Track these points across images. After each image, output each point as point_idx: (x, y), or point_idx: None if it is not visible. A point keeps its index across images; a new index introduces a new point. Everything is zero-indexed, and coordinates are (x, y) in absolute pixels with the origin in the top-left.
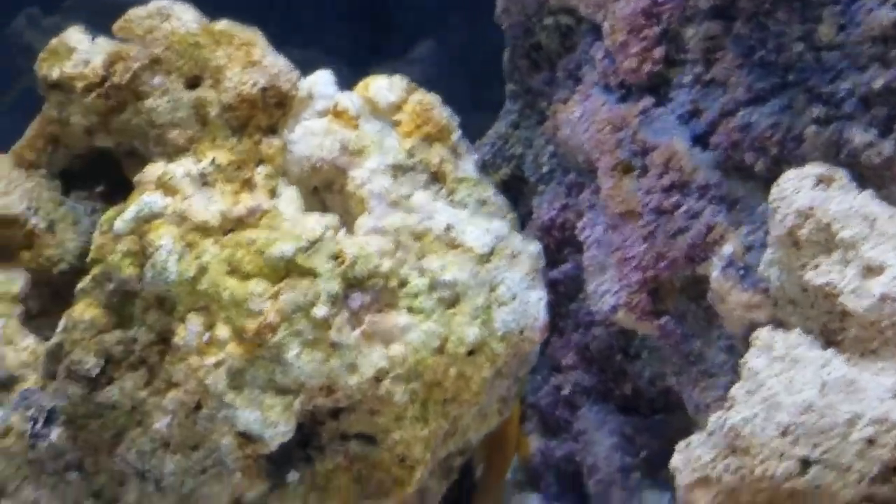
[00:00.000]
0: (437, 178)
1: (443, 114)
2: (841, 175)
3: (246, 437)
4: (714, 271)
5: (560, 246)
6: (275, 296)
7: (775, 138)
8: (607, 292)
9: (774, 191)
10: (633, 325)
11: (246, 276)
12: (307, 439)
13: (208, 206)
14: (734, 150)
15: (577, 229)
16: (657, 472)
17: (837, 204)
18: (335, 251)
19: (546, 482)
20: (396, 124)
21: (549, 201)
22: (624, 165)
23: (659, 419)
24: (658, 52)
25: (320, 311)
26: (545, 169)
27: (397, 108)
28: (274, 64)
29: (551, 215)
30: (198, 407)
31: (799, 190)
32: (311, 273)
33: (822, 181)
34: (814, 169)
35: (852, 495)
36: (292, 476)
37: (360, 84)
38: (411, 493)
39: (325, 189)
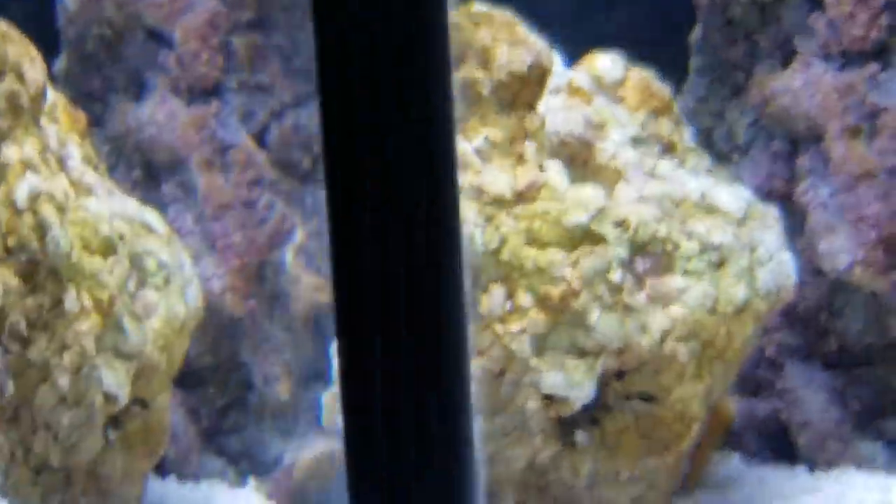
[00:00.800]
0: (668, 149)
1: (664, 88)
2: None
3: (550, 400)
4: None
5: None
6: (574, 262)
7: None
8: (842, 251)
9: None
10: (870, 282)
11: (544, 245)
12: (592, 401)
13: (498, 181)
14: None
15: (791, 197)
16: (869, 424)
17: None
18: (620, 218)
19: (747, 441)
20: (621, 99)
21: (754, 169)
22: (854, 129)
23: (866, 372)
24: (885, 20)
25: (616, 275)
26: (742, 139)
27: (621, 83)
28: (536, 41)
29: (759, 183)
30: (501, 373)
31: None
32: (602, 240)
33: None
34: None
35: None
36: (581, 436)
37: (584, 61)
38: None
39: (570, 162)
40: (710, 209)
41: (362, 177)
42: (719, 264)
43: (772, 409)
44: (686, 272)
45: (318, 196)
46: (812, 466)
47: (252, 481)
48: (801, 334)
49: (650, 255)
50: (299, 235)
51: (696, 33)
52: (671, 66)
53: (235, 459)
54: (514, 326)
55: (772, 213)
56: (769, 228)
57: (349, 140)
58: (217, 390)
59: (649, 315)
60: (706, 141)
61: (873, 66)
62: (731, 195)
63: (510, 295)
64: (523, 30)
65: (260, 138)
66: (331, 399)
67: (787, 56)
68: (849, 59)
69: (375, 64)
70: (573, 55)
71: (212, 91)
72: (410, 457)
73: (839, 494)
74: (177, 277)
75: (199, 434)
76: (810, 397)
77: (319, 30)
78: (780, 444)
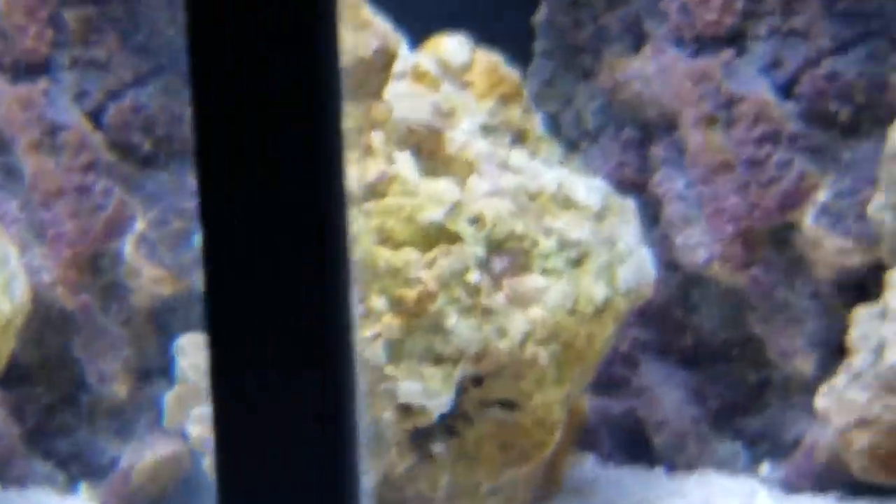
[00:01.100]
0: (520, 137)
1: (513, 73)
2: None
3: (406, 410)
4: (808, 219)
5: None
6: (430, 263)
7: (860, 87)
8: (699, 245)
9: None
10: (728, 277)
11: (398, 245)
12: (449, 410)
13: (349, 175)
14: (819, 100)
15: (643, 187)
16: (727, 423)
17: None
18: (475, 214)
19: (601, 441)
20: (468, 85)
21: (604, 158)
22: (710, 118)
23: (724, 369)
24: (739, 4)
25: (473, 276)
26: (591, 126)
27: (468, 68)
28: (381, 24)
29: (609, 172)
30: None
31: None
32: (458, 238)
33: None
34: None
35: None
36: (439, 448)
37: (429, 44)
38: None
39: (419, 153)
40: (567, 203)
41: (236, 168)
42: (578, 262)
43: (627, 407)
44: (545, 271)
45: (160, 181)
46: (670, 468)
47: (84, 487)
48: (656, 330)
49: (507, 253)
50: (140, 224)
51: (540, 14)
52: (515, 48)
53: (65, 463)
54: (367, 332)
55: (630, 206)
56: (628, 223)
57: (223, 131)
58: (45, 389)
59: (508, 317)
60: (553, 127)
61: (728, 53)
62: (589, 188)
63: (362, 298)
64: (368, 11)
65: (96, 119)
66: (173, 398)
67: (637, 40)
68: (703, 44)
69: (251, 51)
70: (414, 38)
71: (40, 68)
72: (285, 461)
73: (703, 499)
74: (599, 256)
75: (24, 435)
76: (666, 395)
77: (192, 18)
78: (636, 445)
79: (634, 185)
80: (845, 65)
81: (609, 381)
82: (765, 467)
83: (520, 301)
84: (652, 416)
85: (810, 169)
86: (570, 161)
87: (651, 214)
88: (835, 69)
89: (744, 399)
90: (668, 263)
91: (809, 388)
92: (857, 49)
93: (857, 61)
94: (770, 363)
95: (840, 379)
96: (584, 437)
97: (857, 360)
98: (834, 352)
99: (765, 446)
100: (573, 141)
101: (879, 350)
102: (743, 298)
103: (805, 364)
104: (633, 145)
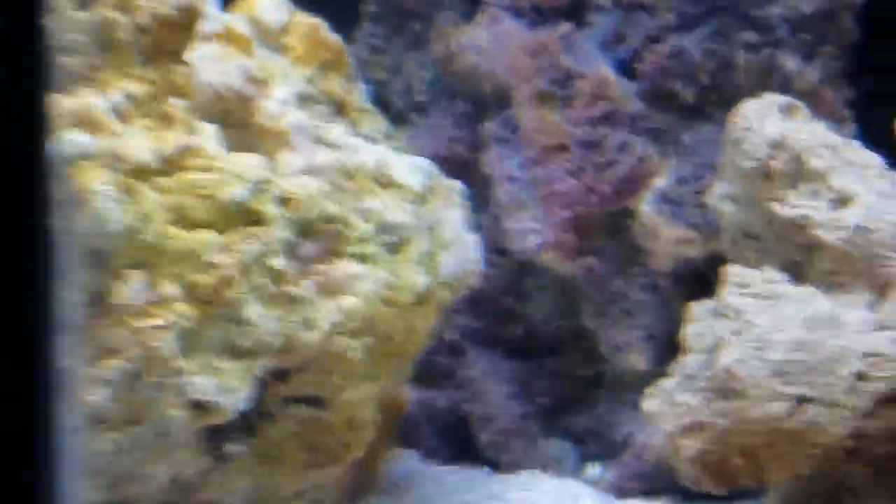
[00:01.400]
0: (340, 110)
1: (335, 37)
2: (801, 105)
3: (199, 407)
4: (644, 206)
5: None
6: (230, 246)
7: (706, 66)
8: (531, 231)
9: (737, 120)
10: (560, 265)
11: (194, 225)
12: (249, 407)
13: (140, 145)
14: (662, 79)
15: (475, 165)
16: (556, 420)
17: (805, 134)
18: (284, 193)
19: (425, 436)
20: (285, 49)
21: (434, 132)
22: (545, 95)
23: (555, 363)
24: None
25: (278, 261)
26: (422, 98)
27: (285, 31)
28: None
29: (439, 148)
30: (138, 376)
31: (766, 120)
32: (263, 219)
33: (787, 111)
34: (777, 98)
35: (845, 431)
36: (237, 448)
37: (241, 3)
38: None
39: (226, 124)
40: (387, 183)
41: None
42: (397, 247)
43: (452, 401)
44: (360, 257)
45: (701, 133)
46: (495, 467)
47: (591, 466)
48: (484, 319)
49: (319, 237)
50: (662, 180)
51: None
52: (341, 9)
53: (581, 441)
54: (157, 321)
55: (456, 188)
56: (453, 206)
57: None
58: (554, 362)
59: (317, 307)
60: (381, 98)
61: (567, 26)
62: (412, 167)
63: (152, 284)
64: None
65: (629, 66)
66: None
67: (472, 7)
68: (541, 15)
69: None
70: None
71: (565, 12)
72: None
73: (522, 501)
74: (420, 241)
75: (535, 414)
76: (493, 389)
77: None
78: (462, 442)
79: (467, 163)
80: (690, 42)
81: (434, 372)
82: (594, 468)
83: (331, 289)
84: (477, 411)
85: (650, 152)
86: (398, 136)
87: (483, 196)
88: (679, 47)
89: (574, 395)
90: (499, 249)
91: (643, 385)
92: (703, 26)
93: (703, 39)
94: (603, 358)
95: (671, 380)
96: (407, 431)
97: (690, 359)
98: (671, 348)
99: (594, 446)
100: (402, 113)
101: (713, 350)
102: (576, 288)
103: (639, 360)
104: (465, 120)
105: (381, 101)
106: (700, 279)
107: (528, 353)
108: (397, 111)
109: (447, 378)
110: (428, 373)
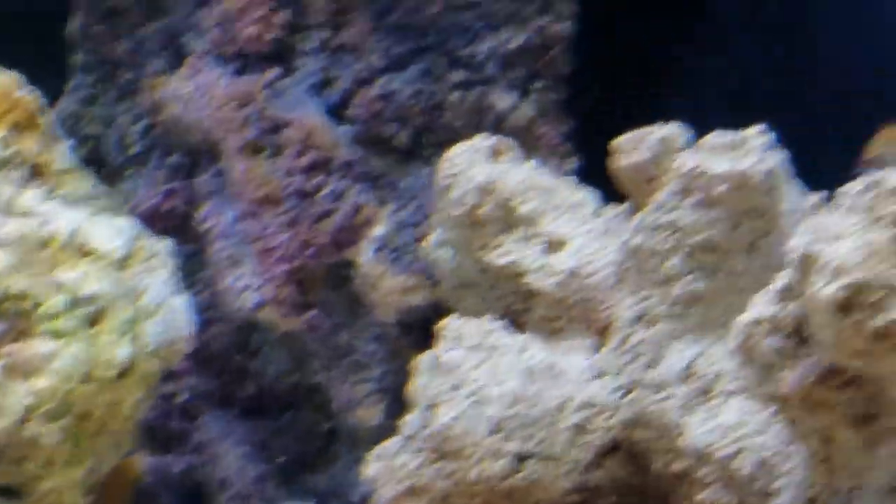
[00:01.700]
0: (37, 172)
1: (30, 95)
2: (510, 145)
3: None
4: (364, 256)
5: (167, 237)
6: None
7: (417, 107)
8: (248, 288)
9: (445, 166)
10: (280, 322)
11: None
12: None
13: None
14: (374, 122)
15: (193, 218)
16: (294, 480)
17: (514, 177)
18: None
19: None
20: None
21: (149, 187)
22: (254, 145)
23: (289, 420)
24: (283, 16)
25: None
26: (136, 150)
27: None
28: None
29: (154, 203)
30: None
31: (473, 164)
32: None
33: (494, 153)
34: (485, 140)
35: (568, 485)
36: None
37: None
38: None
39: None
40: (83, 251)
41: None
42: (95, 320)
43: (187, 466)
44: (53, 333)
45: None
46: None
47: None
48: (215, 379)
49: (5, 316)
50: (381, 228)
51: (74, 24)
52: (49, 60)
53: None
54: None
55: (162, 249)
56: (157, 269)
57: None
58: (290, 419)
59: (6, 391)
60: (95, 152)
61: (273, 72)
62: (111, 230)
63: None
64: None
65: (339, 111)
66: None
67: (178, 56)
68: (245, 62)
69: None
70: None
71: (270, 57)
72: None
73: None
74: (121, 311)
75: (271, 473)
76: (229, 451)
77: None
78: None
79: (183, 217)
80: (400, 84)
81: (168, 437)
82: None
83: (20, 371)
84: (213, 475)
85: (366, 199)
86: (111, 194)
87: (203, 251)
88: (389, 88)
89: (311, 453)
90: (219, 308)
91: (377, 440)
92: (412, 66)
93: (413, 80)
94: (336, 414)
95: (393, 439)
96: (143, 501)
97: (411, 418)
98: (403, 401)
99: None
100: (118, 167)
101: (431, 407)
102: (304, 343)
103: (371, 414)
104: (180, 173)
105: (97, 156)
106: (428, 326)
107: (262, 412)
108: (111, 166)
109: (181, 443)
110: (162, 438)
